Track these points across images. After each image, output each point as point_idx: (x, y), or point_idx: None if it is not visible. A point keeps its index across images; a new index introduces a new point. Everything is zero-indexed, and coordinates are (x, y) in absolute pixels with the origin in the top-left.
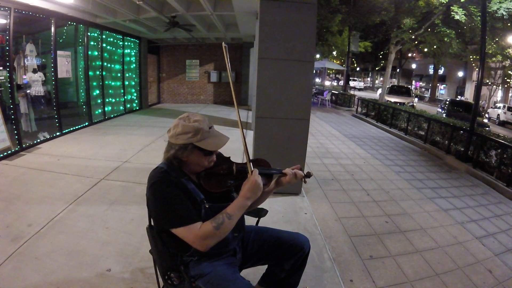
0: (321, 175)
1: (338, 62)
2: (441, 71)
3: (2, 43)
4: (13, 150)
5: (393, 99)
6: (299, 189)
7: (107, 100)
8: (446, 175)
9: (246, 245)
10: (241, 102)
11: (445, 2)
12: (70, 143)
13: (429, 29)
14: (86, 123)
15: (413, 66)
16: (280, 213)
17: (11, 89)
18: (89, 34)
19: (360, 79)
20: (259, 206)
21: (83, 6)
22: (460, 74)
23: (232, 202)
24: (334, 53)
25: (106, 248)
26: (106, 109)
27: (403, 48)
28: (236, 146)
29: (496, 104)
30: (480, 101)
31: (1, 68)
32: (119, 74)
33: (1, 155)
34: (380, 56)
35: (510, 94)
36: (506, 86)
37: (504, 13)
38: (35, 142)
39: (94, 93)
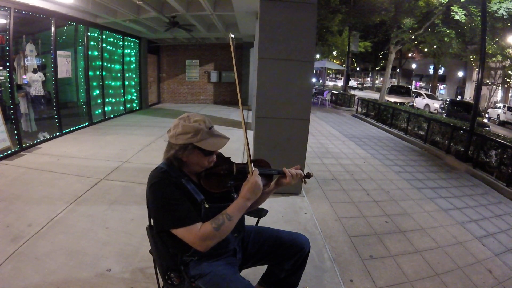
0: (321, 175)
1: (338, 62)
2: (441, 71)
3: (2, 43)
4: (13, 150)
5: (393, 99)
6: (299, 189)
7: (107, 100)
8: (446, 175)
9: (246, 245)
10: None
11: (445, 2)
12: (70, 143)
13: (429, 29)
14: (86, 123)
15: (413, 66)
16: (280, 213)
17: (11, 89)
18: (89, 34)
19: (358, 79)
20: (259, 206)
21: (83, 6)
22: (460, 74)
23: (232, 202)
24: (334, 53)
25: (106, 248)
26: (106, 109)
27: (403, 48)
28: (236, 146)
29: (496, 104)
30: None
31: (1, 68)
32: (119, 74)
33: (1, 155)
34: (380, 56)
35: (510, 94)
36: (506, 86)
37: (504, 13)
38: (35, 142)
39: (94, 93)
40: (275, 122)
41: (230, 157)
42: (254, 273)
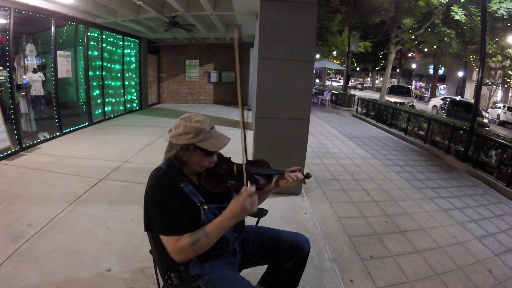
0: (321, 175)
1: (338, 62)
2: (441, 71)
3: (2, 43)
4: (13, 150)
5: (393, 99)
6: (299, 189)
7: (107, 100)
8: (446, 175)
9: (246, 245)
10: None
11: (445, 2)
12: (70, 143)
13: (429, 29)
14: (86, 123)
15: (413, 66)
16: (280, 213)
17: (11, 89)
18: (89, 34)
19: (358, 79)
20: (259, 206)
21: (83, 6)
22: (460, 74)
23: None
24: (334, 53)
25: (106, 248)
26: (106, 109)
27: (403, 48)
28: (236, 146)
29: (496, 104)
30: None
31: (1, 68)
32: (119, 74)
33: (1, 155)
34: (380, 56)
35: (510, 94)
36: (506, 86)
37: (504, 13)
38: (35, 142)
39: (94, 93)
40: (275, 122)
41: (230, 157)
42: (254, 273)
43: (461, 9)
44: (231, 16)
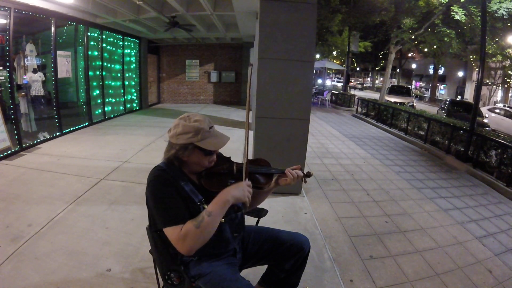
0: (321, 175)
1: (338, 62)
2: (441, 71)
3: (2, 43)
4: (13, 150)
5: (393, 99)
6: (299, 189)
7: (107, 100)
8: (446, 175)
9: (246, 245)
10: (241, 102)
11: (445, 2)
12: (70, 143)
13: (429, 29)
14: (86, 123)
15: (413, 66)
16: (280, 213)
17: (11, 89)
18: (89, 34)
19: (358, 79)
20: (259, 206)
21: (83, 6)
22: (460, 74)
23: None
24: (334, 53)
25: (106, 248)
26: (106, 109)
27: (403, 48)
28: (236, 146)
29: (496, 104)
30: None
31: (1, 68)
32: (119, 74)
33: (1, 155)
34: (380, 56)
35: (510, 94)
36: (506, 86)
37: (504, 13)
38: (35, 142)
39: (94, 93)
40: (275, 122)
41: (230, 157)
42: (254, 273)
43: (461, 9)
44: (231, 16)
